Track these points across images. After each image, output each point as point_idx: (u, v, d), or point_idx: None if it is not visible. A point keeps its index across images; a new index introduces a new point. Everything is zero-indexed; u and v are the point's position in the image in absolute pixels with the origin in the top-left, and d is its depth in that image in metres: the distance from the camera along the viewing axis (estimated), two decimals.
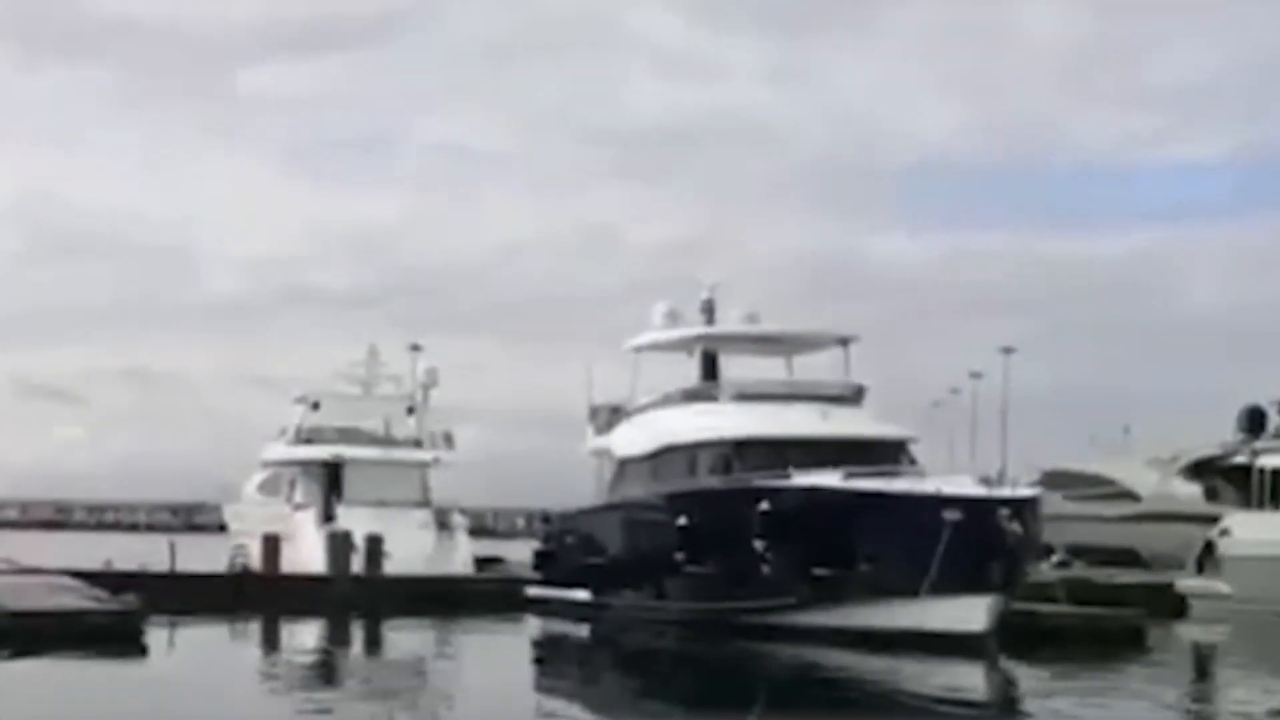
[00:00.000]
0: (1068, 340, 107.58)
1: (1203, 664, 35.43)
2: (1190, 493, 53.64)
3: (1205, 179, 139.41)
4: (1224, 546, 46.05)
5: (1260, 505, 46.31)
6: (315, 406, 52.29)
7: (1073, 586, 38.58)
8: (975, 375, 74.53)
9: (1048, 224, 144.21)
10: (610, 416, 43.32)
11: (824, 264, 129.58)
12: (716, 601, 36.38)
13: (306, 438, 51.61)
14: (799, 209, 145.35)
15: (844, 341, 40.57)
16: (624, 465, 41.88)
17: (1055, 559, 47.06)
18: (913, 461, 36.94)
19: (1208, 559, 46.49)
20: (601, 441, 43.35)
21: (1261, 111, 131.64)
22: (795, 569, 34.46)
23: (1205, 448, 53.10)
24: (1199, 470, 53.64)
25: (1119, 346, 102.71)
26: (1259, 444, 47.45)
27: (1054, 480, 53.05)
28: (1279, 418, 48.08)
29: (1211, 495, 52.12)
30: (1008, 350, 72.95)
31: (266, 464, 53.26)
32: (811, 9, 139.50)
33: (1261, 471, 46.39)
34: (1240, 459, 48.29)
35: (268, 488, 52.83)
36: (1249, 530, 45.63)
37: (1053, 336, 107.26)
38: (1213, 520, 47.98)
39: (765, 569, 34.84)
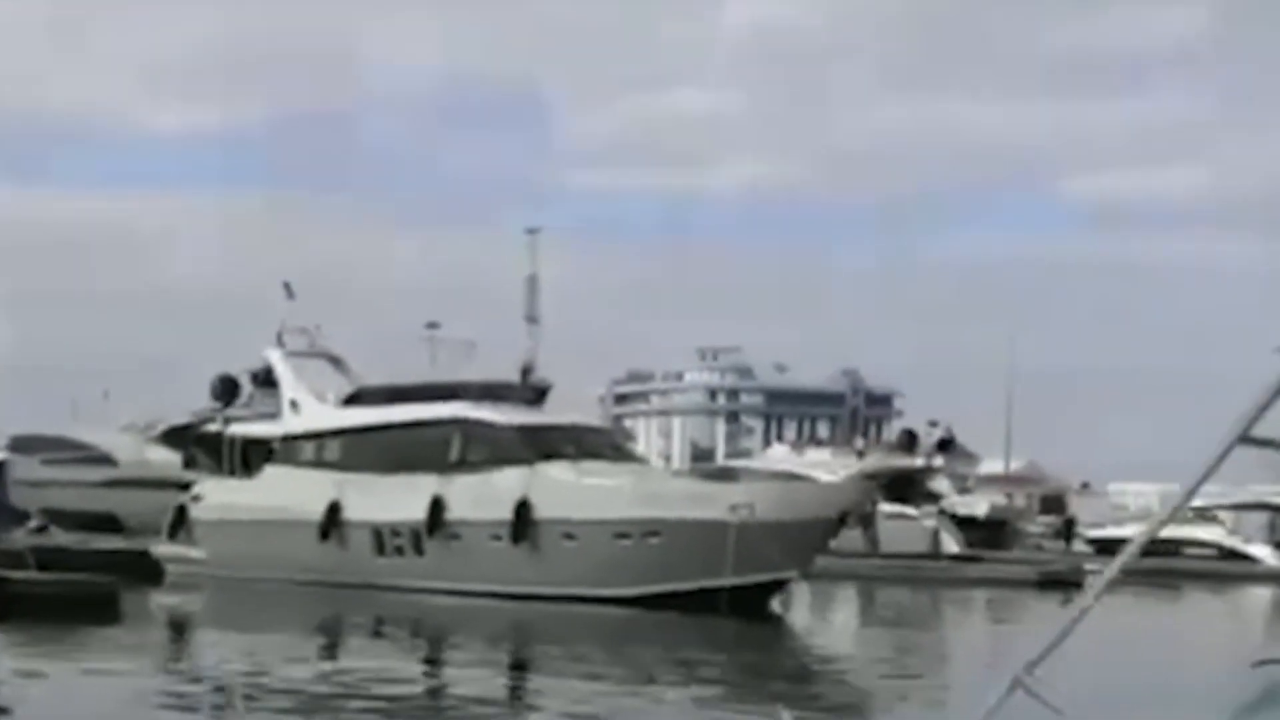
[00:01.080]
0: (42, 304, 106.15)
1: (177, 629, 36.16)
2: (168, 459, 54.36)
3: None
4: (196, 512, 47.07)
5: (231, 472, 47.63)
6: None
7: (46, 553, 38.28)
8: None
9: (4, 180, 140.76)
10: None
11: None
12: None
13: None
14: None
15: None
16: None
17: (33, 524, 46.69)
18: None
19: (181, 525, 47.40)
20: None
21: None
22: None
23: (180, 415, 53.95)
24: (174, 437, 54.41)
25: (98, 312, 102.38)
26: (231, 412, 48.75)
27: (28, 445, 52.56)
28: (251, 387, 49.42)
29: (190, 462, 53.05)
30: None
31: None
32: None
33: (232, 439, 47.71)
34: (213, 426, 49.43)
35: None
36: (220, 496, 46.85)
37: (26, 299, 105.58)
38: (188, 486, 48.96)
39: None
